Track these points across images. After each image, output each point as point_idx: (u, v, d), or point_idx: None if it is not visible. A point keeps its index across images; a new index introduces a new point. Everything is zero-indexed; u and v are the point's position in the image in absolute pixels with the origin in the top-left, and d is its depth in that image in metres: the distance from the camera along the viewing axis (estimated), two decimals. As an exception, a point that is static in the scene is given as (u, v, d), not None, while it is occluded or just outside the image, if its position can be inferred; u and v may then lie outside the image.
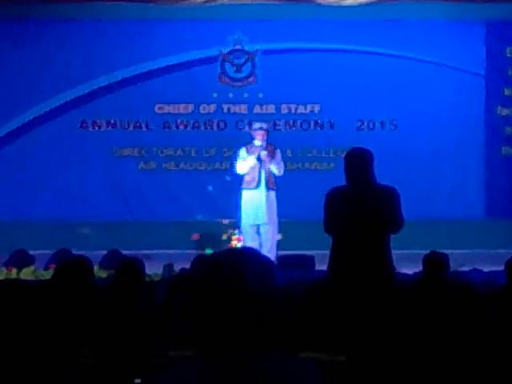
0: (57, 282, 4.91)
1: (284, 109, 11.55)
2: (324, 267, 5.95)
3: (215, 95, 11.52)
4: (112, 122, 11.50)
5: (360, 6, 10.49)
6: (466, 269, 8.21)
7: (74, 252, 8.41)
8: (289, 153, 11.15)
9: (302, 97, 11.48)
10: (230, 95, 11.55)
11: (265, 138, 9.46)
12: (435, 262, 5.96)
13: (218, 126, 11.56)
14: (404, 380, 4.35)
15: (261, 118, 10.99)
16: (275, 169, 9.45)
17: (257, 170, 9.41)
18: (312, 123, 11.56)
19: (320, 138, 11.49)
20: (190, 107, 11.54)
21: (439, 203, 11.29)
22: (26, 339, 4.21)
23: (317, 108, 11.54)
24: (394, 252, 5.69)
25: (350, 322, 5.23)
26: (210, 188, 11.22)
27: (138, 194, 11.42)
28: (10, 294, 4.35)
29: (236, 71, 11.58)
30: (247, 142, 9.63)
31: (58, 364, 4.23)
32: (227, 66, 11.57)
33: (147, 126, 11.52)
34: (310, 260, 9.03)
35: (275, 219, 9.45)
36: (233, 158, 9.89)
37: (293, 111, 11.55)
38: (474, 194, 11.48)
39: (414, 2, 10.71)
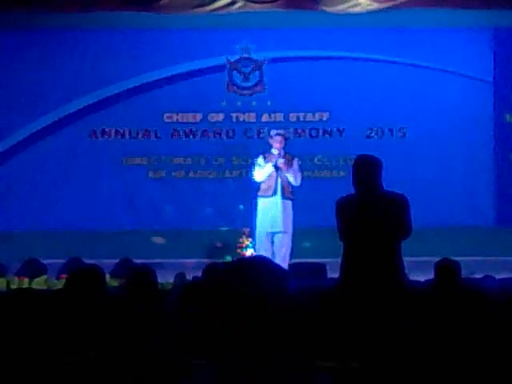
0: (69, 292, 4.91)
1: (292, 117, 11.56)
2: (336, 275, 5.95)
3: (224, 104, 11.54)
4: (121, 131, 11.53)
5: (368, 13, 10.48)
6: (478, 276, 8.19)
7: (85, 261, 8.43)
8: (298, 161, 11.15)
9: (311, 105, 11.49)
10: (239, 104, 11.57)
11: (282, 145, 9.49)
12: (447, 269, 5.95)
13: (227, 134, 11.57)
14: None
15: (269, 126, 11.01)
16: (292, 178, 9.47)
17: (273, 178, 9.44)
18: (321, 131, 11.57)
19: (329, 145, 11.49)
20: (199, 116, 11.55)
21: (449, 210, 11.26)
22: (38, 348, 4.22)
23: (325, 116, 11.54)
24: (405, 259, 5.68)
25: (363, 329, 5.23)
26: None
27: (147, 203, 11.44)
28: (22, 303, 4.37)
29: (244, 80, 11.60)
30: (256, 150, 9.64)
31: (70, 373, 4.24)
32: (235, 74, 11.59)
33: (156, 135, 11.54)
34: (322, 268, 9.02)
35: (290, 229, 9.46)
36: (242, 167, 9.89)
37: (301, 119, 11.56)
38: (484, 201, 11.46)
39: (422, 9, 10.69)
